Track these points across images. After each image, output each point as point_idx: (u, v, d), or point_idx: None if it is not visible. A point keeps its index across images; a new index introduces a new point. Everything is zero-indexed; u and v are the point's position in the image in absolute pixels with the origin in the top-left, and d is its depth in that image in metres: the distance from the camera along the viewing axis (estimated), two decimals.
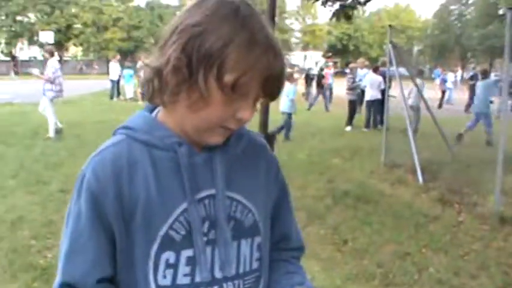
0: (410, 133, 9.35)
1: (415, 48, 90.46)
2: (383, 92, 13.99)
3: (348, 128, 15.94)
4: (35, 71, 13.54)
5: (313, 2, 13.60)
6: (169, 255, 1.22)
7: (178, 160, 1.23)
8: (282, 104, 13.04)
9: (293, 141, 13.14)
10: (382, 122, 12.90)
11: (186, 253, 1.23)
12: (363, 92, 16.37)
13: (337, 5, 12.81)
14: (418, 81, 11.70)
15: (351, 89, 16.67)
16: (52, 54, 13.36)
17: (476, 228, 6.46)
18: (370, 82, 15.73)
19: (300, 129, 15.18)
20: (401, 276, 4.94)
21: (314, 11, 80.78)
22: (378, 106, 14.85)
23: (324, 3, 12.93)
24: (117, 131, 1.32)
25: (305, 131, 15.01)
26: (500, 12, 54.86)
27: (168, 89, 1.16)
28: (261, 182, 1.40)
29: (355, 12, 14.23)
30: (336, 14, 13.05)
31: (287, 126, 13.35)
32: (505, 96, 8.05)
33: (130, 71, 26.25)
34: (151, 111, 1.33)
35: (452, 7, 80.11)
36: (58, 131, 12.95)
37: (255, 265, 1.35)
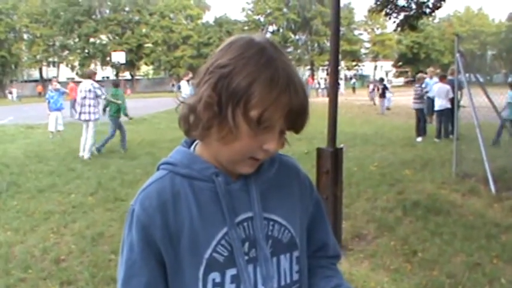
0: (481, 142, 9.19)
1: (489, 53, 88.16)
2: (453, 101, 13.76)
3: (419, 139, 15.73)
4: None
5: (378, 13, 13.59)
6: (215, 276, 1.33)
7: (217, 189, 1.35)
8: None
9: (363, 152, 13.10)
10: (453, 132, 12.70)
11: (230, 272, 1.34)
12: (432, 101, 16.12)
13: (401, 16, 12.75)
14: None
15: (417, 98, 16.50)
16: (89, 77, 13.87)
17: None
18: (437, 92, 15.50)
19: (370, 141, 15.14)
20: (472, 287, 4.92)
21: (382, 21, 79.94)
22: (448, 115, 14.61)
23: (388, 14, 12.91)
24: (160, 166, 1.45)
25: (375, 142, 14.94)
26: None
27: (201, 123, 1.28)
28: (295, 200, 1.52)
29: (424, 20, 14.13)
30: (401, 25, 13.00)
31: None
32: None
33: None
34: (190, 145, 1.47)
35: None
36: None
37: (295, 277, 1.46)
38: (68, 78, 72.50)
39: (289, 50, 76.74)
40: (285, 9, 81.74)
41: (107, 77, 68.74)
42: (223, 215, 1.34)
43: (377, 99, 29.24)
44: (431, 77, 17.35)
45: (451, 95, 14.20)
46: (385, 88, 27.49)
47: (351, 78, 66.62)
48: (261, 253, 1.38)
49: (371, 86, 34.42)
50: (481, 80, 11.40)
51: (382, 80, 30.40)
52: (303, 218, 1.54)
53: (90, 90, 13.18)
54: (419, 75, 18.08)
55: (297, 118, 1.30)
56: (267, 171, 1.44)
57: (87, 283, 5.21)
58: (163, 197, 1.35)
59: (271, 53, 1.27)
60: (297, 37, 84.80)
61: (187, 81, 27.35)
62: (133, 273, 1.34)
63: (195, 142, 1.46)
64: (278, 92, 1.22)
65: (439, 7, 12.98)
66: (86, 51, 77.14)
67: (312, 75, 75.78)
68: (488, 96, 10.29)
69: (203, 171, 1.37)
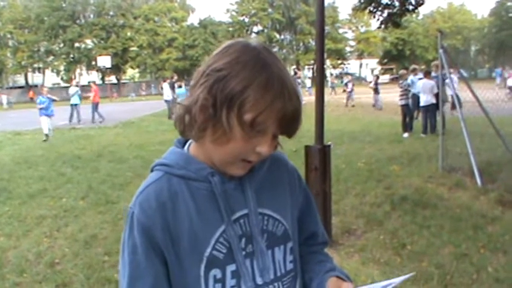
0: (466, 136, 9.31)
1: (473, 49, 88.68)
2: (438, 96, 13.90)
3: (406, 135, 15.87)
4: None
5: (362, 11, 13.69)
6: (216, 272, 1.39)
7: (213, 189, 1.40)
8: None
9: (351, 150, 13.20)
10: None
11: (230, 268, 1.40)
12: (418, 98, 16.27)
13: (385, 14, 12.87)
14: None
15: (402, 94, 16.66)
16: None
17: None
18: (422, 88, 15.65)
19: (358, 138, 15.25)
20: (460, 276, 5.02)
21: (367, 19, 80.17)
22: (433, 111, 14.76)
23: (371, 12, 13.02)
24: (154, 168, 1.49)
25: (363, 139, 15.05)
26: None
27: (196, 125, 1.33)
28: (286, 193, 1.58)
29: (408, 17, 14.26)
30: (384, 23, 13.11)
31: None
32: None
33: (183, 90, 26.91)
34: (183, 145, 1.52)
35: (509, 3, 78.07)
36: None
37: (290, 266, 1.53)
38: (54, 84, 72.38)
39: (275, 49, 76.60)
40: (269, 10, 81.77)
41: (93, 82, 68.41)
42: (221, 214, 1.39)
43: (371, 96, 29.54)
44: (415, 74, 17.49)
45: (435, 91, 14.33)
46: (377, 85, 28.35)
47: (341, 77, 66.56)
48: (257, 248, 1.44)
49: (350, 85, 32.60)
50: (465, 75, 11.54)
51: (377, 77, 30.59)
52: (293, 210, 1.60)
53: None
54: (401, 71, 18.28)
55: (290, 123, 1.34)
56: (259, 170, 1.49)
57: (83, 285, 5.27)
58: (161, 198, 1.39)
59: (266, 58, 1.31)
60: (282, 37, 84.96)
61: (170, 84, 27.57)
62: (138, 275, 1.37)
63: (188, 142, 1.51)
64: (272, 96, 1.27)
65: (422, 4, 13.11)
66: (71, 56, 76.78)
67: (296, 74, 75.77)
68: (472, 91, 10.42)
69: (199, 172, 1.41)
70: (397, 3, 13.18)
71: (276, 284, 1.48)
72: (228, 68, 1.29)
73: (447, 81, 10.88)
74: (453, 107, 11.58)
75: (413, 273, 1.58)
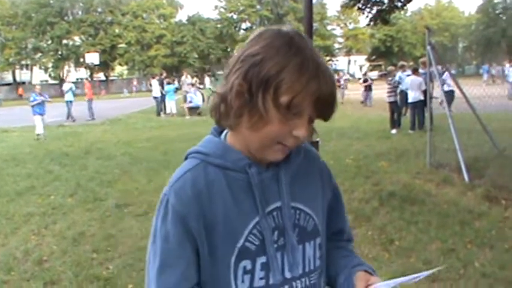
0: (454, 132, 9.36)
1: (460, 46, 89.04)
2: (426, 92, 13.96)
3: (394, 131, 15.94)
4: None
5: (350, 8, 13.72)
6: (246, 263, 1.38)
7: (250, 180, 1.39)
8: None
9: (339, 146, 13.24)
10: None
11: (261, 260, 1.40)
12: (406, 94, 16.34)
13: (374, 10, 12.90)
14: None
15: (390, 91, 16.73)
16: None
17: None
18: (410, 84, 15.73)
19: (346, 135, 15.30)
20: (447, 272, 5.04)
21: (355, 15, 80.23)
22: (421, 107, 14.84)
23: (360, 9, 13.04)
24: (189, 156, 1.49)
25: (351, 136, 15.10)
26: None
27: (232, 111, 1.33)
28: (317, 188, 1.57)
29: (396, 14, 14.32)
30: (373, 19, 13.14)
31: None
32: None
33: (172, 87, 26.93)
34: (219, 133, 1.50)
35: (496, 1, 78.47)
36: None
37: (318, 263, 1.53)
38: (42, 81, 71.99)
39: None
40: (258, 6, 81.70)
41: (81, 79, 68.14)
42: (255, 205, 1.39)
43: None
44: (403, 71, 17.56)
45: (423, 87, 14.39)
46: (366, 80, 29.02)
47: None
48: (289, 241, 1.43)
49: (342, 81, 32.71)
50: (453, 71, 11.60)
51: (365, 76, 30.96)
52: (323, 205, 1.60)
53: None
54: (390, 68, 18.36)
55: (325, 106, 1.35)
56: (294, 161, 1.49)
57: (71, 282, 5.26)
58: (198, 186, 1.38)
59: (300, 42, 1.32)
60: None
61: (159, 80, 27.54)
62: (169, 263, 1.37)
63: (225, 131, 1.49)
64: (307, 78, 1.27)
65: (410, 1, 13.18)
66: (59, 53, 76.39)
67: None
68: (459, 87, 10.48)
69: (237, 162, 1.41)
70: (385, 0, 13.22)
71: (303, 280, 1.48)
72: (262, 53, 1.30)
73: (445, 77, 10.91)
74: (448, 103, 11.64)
75: (442, 266, 1.60)
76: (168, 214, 1.37)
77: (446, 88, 17.46)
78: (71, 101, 26.11)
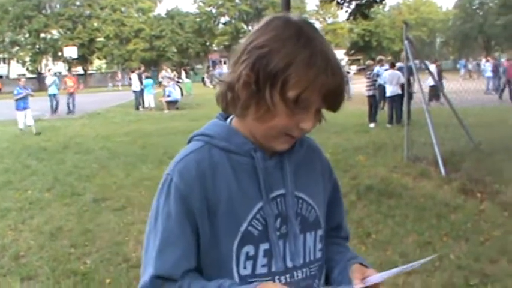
0: (430, 126, 9.44)
1: (438, 40, 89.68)
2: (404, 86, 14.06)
3: (372, 125, 16.03)
4: None
5: (330, 3, 13.77)
6: (249, 249, 1.38)
7: (255, 164, 1.39)
8: None
9: (317, 140, 13.25)
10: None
11: (263, 246, 1.39)
12: (384, 88, 16.45)
13: (353, 5, 12.95)
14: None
15: (369, 85, 16.83)
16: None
17: (498, 216, 6.61)
18: (388, 78, 15.84)
19: (324, 128, 15.30)
20: (423, 264, 5.10)
21: (334, 10, 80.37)
22: (399, 101, 14.94)
23: (339, 4, 13.09)
24: (193, 138, 1.48)
25: (329, 130, 15.13)
26: None
27: (239, 102, 1.33)
28: (318, 181, 1.57)
29: (375, 8, 14.40)
30: (352, 14, 13.20)
31: None
32: None
33: (150, 81, 26.83)
34: (225, 118, 1.49)
35: None
36: None
37: (318, 255, 1.52)
38: (19, 75, 71.02)
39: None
40: (237, 1, 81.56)
41: (59, 72, 67.43)
42: (259, 190, 1.39)
43: None
44: (381, 65, 17.66)
45: (402, 81, 14.49)
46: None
47: None
48: (291, 230, 1.43)
49: None
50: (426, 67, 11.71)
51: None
52: (324, 199, 1.59)
53: None
54: (368, 62, 18.47)
55: (334, 98, 1.35)
56: (298, 151, 1.49)
57: (48, 277, 5.24)
58: (202, 167, 1.38)
59: (308, 33, 1.31)
60: (250, 28, 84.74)
61: (139, 74, 27.42)
62: (170, 242, 1.35)
63: (231, 117, 1.48)
64: (316, 73, 1.26)
65: None
66: (37, 46, 75.46)
67: None
68: (436, 82, 10.59)
69: (242, 146, 1.41)
70: None
71: (304, 270, 1.47)
72: (270, 45, 1.29)
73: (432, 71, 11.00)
74: (436, 97, 11.80)
75: (435, 255, 1.60)
76: (171, 193, 1.37)
77: (433, 82, 17.70)
78: (54, 94, 25.79)
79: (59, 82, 26.55)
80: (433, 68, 20.30)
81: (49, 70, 31.92)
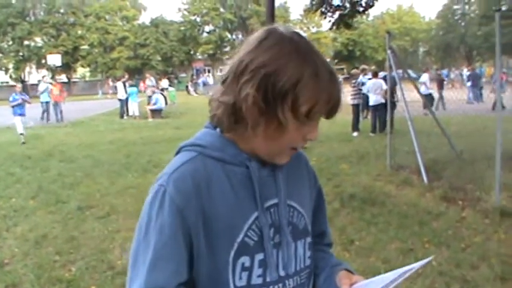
0: (413, 135, 9.54)
1: (421, 50, 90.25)
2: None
3: (355, 134, 16.14)
4: None
5: (313, 13, 13.88)
6: (244, 260, 1.38)
7: (249, 174, 1.40)
8: None
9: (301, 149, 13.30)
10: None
11: (259, 257, 1.39)
12: (367, 97, 16.56)
13: (336, 15, 13.07)
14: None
15: (354, 94, 16.93)
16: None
17: (478, 223, 6.70)
18: (371, 87, 15.96)
19: None
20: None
21: (318, 20, 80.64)
22: (382, 110, 15.03)
23: (323, 14, 13.19)
24: (183, 148, 1.46)
25: None
26: (503, 8, 54.81)
27: (250, 122, 1.32)
28: (306, 189, 1.61)
29: (358, 18, 14.51)
30: (336, 24, 13.31)
31: None
32: (499, 93, 8.36)
33: (135, 89, 26.82)
34: (215, 128, 1.47)
35: (455, 6, 79.67)
36: None
37: (308, 262, 1.55)
38: (2, 82, 70.58)
39: (226, 49, 76.58)
40: (221, 9, 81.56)
41: (41, 80, 66.91)
42: (254, 200, 1.39)
43: None
44: (365, 74, 17.79)
45: (385, 88, 14.60)
46: None
47: None
48: (284, 239, 1.44)
49: None
50: (414, 75, 11.85)
51: None
52: (310, 206, 1.63)
53: None
54: (354, 71, 18.57)
55: (335, 108, 1.39)
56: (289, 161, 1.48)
57: (33, 285, 5.24)
58: (197, 179, 1.36)
59: (306, 47, 1.34)
60: (234, 36, 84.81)
61: (123, 82, 27.36)
62: (163, 256, 1.32)
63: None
64: (324, 87, 1.30)
65: (372, 6, 13.41)
66: (21, 54, 74.77)
67: None
68: (419, 91, 10.71)
69: (236, 156, 1.40)
70: (348, 5, 13.42)
71: (295, 278, 1.49)
72: (274, 63, 1.29)
73: (423, 80, 11.11)
74: (425, 106, 11.90)
75: (432, 257, 1.61)
76: (165, 205, 1.33)
77: (425, 91, 17.98)
78: (47, 102, 25.70)
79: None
80: (425, 77, 20.58)
81: (43, 77, 31.72)
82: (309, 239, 1.56)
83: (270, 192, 1.44)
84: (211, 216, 1.36)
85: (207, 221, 1.36)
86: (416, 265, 1.39)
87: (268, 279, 1.41)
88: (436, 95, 21.36)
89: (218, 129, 1.46)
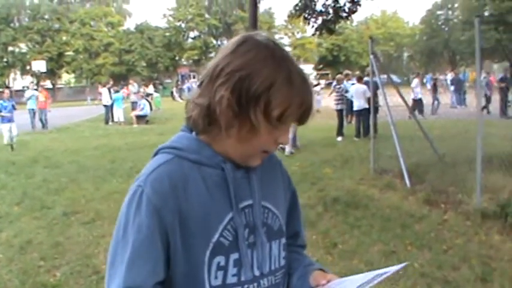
0: (396, 139, 9.64)
1: (405, 55, 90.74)
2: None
3: (339, 139, 16.21)
4: None
5: (297, 18, 13.95)
6: (220, 259, 1.40)
7: (225, 176, 1.43)
8: None
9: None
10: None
11: (233, 256, 1.42)
12: (351, 102, 16.67)
13: (319, 20, 13.15)
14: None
15: (338, 99, 17.03)
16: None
17: (460, 225, 6.81)
18: (355, 92, 16.07)
19: None
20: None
21: (302, 25, 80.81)
22: (366, 115, 15.11)
23: (306, 19, 13.27)
24: (161, 151, 1.49)
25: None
26: (486, 14, 55.32)
27: (223, 124, 1.36)
28: (280, 190, 1.64)
29: (342, 23, 14.60)
30: (319, 29, 13.39)
31: None
32: (480, 98, 8.49)
33: (120, 95, 26.78)
34: (191, 130, 1.51)
35: (438, 12, 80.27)
36: None
37: (283, 262, 1.58)
38: None
39: (211, 55, 76.45)
40: (206, 15, 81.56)
41: (27, 87, 66.60)
42: (230, 201, 1.42)
43: None
44: (348, 79, 17.92)
45: (368, 95, 14.70)
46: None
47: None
48: (258, 239, 1.47)
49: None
50: (399, 80, 11.94)
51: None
52: (285, 207, 1.66)
53: None
54: (338, 76, 18.66)
55: (307, 113, 1.43)
56: (262, 163, 1.51)
57: None
58: (174, 180, 1.39)
59: (281, 53, 1.39)
60: (219, 42, 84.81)
61: (108, 88, 27.31)
62: (140, 255, 1.34)
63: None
64: (296, 92, 1.35)
65: (355, 11, 13.50)
66: (5, 60, 74.32)
67: None
68: (401, 96, 10.80)
69: (212, 158, 1.44)
70: (331, 11, 13.51)
71: (270, 278, 1.52)
72: (249, 67, 1.33)
73: (414, 85, 11.22)
74: (419, 111, 12.07)
75: (407, 263, 1.65)
76: (142, 205, 1.36)
77: (416, 96, 18.16)
78: (33, 109, 25.44)
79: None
80: (415, 82, 20.75)
81: (31, 83, 31.49)
82: (283, 240, 1.59)
83: (244, 194, 1.47)
84: (187, 216, 1.38)
85: (183, 221, 1.38)
86: (392, 269, 1.43)
87: (243, 279, 1.44)
88: (430, 100, 21.78)
89: (194, 133, 1.49)
